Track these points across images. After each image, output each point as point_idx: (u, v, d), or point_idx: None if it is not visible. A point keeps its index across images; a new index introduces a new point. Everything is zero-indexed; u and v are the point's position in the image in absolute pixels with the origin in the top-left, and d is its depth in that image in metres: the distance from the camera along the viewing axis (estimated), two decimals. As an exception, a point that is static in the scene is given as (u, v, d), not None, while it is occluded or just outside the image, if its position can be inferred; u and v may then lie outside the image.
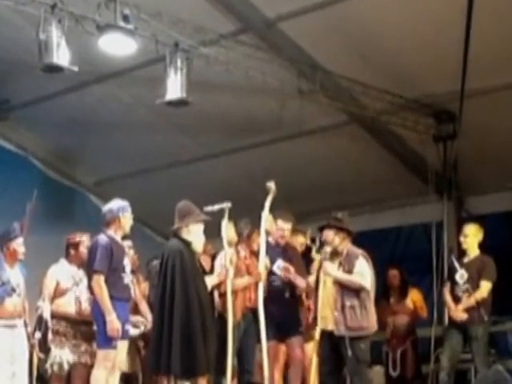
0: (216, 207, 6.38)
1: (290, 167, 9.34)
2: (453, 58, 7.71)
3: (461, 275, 7.22)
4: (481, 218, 8.62)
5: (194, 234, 6.09)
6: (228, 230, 6.65)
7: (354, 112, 8.62)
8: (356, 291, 6.40)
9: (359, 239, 7.47)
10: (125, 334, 6.22)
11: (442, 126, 8.78)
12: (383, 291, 8.60)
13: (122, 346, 6.25)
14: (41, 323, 6.53)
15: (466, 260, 7.33)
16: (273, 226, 7.01)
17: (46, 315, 6.55)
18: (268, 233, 6.92)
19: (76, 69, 6.56)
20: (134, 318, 6.89)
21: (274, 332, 6.86)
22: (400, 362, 8.40)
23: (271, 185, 6.70)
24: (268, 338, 6.71)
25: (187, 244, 6.05)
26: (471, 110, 8.30)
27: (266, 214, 6.75)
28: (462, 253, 7.47)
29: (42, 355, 6.46)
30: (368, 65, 8.07)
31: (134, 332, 6.79)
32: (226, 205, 6.44)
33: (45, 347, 6.52)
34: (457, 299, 7.24)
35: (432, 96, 8.49)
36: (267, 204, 6.74)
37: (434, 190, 9.15)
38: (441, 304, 8.14)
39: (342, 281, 6.44)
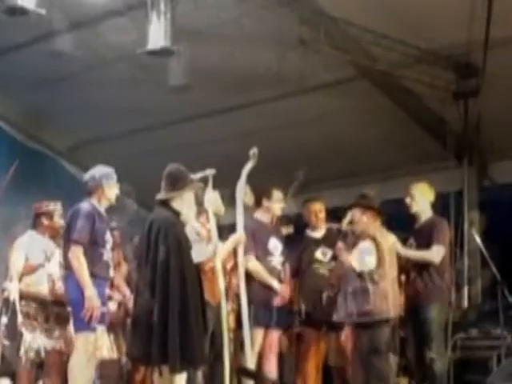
0: (198, 175, 6.31)
1: (291, 128, 9.33)
2: (476, 3, 7.60)
3: None
4: (506, 187, 8.64)
5: (186, 204, 6.01)
6: (213, 199, 6.65)
7: (363, 65, 8.57)
8: (357, 275, 6.57)
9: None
10: (101, 318, 6.17)
11: (462, 81, 8.73)
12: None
13: (100, 330, 6.24)
14: (7, 307, 6.50)
15: None
16: (250, 199, 7.12)
17: (14, 297, 6.50)
18: (248, 207, 7.02)
19: (43, 12, 6.57)
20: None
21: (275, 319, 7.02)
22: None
23: (255, 151, 6.71)
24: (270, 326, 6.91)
25: (177, 214, 5.94)
26: (496, 63, 8.24)
27: (242, 184, 6.80)
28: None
29: (6, 342, 6.45)
30: (379, 10, 7.95)
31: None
32: (210, 172, 6.41)
33: (13, 333, 6.49)
34: None
35: (452, 47, 8.41)
36: (245, 172, 6.77)
37: (454, 154, 9.20)
38: (460, 283, 8.13)
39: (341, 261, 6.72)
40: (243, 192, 6.84)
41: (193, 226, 6.58)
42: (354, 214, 6.79)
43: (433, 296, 6.90)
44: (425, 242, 7.05)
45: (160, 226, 5.85)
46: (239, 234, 6.77)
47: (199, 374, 6.50)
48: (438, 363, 6.92)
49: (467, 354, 7.81)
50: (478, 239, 7.50)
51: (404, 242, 7.92)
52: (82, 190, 6.53)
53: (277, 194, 7.23)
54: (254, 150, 6.71)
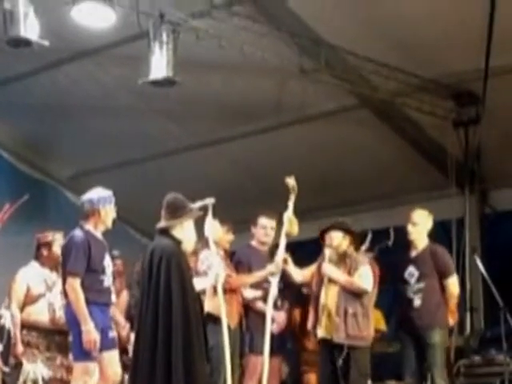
0: (198, 204, 6.30)
1: (291, 157, 9.29)
2: (476, 32, 7.66)
3: None
4: (507, 214, 8.62)
5: (187, 232, 6.00)
6: (214, 228, 6.67)
7: (364, 94, 8.60)
8: (359, 297, 6.51)
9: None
10: (110, 343, 6.12)
11: (463, 110, 8.78)
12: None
13: (112, 357, 6.14)
14: (3, 333, 6.47)
15: None
16: (294, 228, 6.99)
17: (10, 325, 6.48)
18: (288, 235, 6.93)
19: (46, 43, 6.55)
20: None
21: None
22: None
23: (291, 181, 6.69)
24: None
25: (178, 243, 5.98)
26: (496, 91, 8.27)
27: (288, 215, 6.79)
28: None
29: (6, 369, 6.40)
30: (379, 40, 8.03)
31: None
32: (210, 201, 6.39)
33: (7, 360, 6.45)
34: None
35: (452, 75, 8.46)
36: (290, 204, 6.76)
37: (455, 182, 9.12)
38: (462, 310, 8.11)
39: (340, 282, 6.54)
40: (288, 222, 6.80)
41: (204, 254, 6.66)
42: (335, 237, 6.68)
43: (436, 320, 6.91)
44: (429, 271, 6.93)
45: (161, 254, 5.79)
46: (275, 265, 6.80)
47: None
48: None
49: (470, 381, 7.78)
50: (480, 266, 7.42)
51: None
52: (83, 219, 6.51)
53: (261, 221, 7.19)
54: (288, 180, 6.68)
